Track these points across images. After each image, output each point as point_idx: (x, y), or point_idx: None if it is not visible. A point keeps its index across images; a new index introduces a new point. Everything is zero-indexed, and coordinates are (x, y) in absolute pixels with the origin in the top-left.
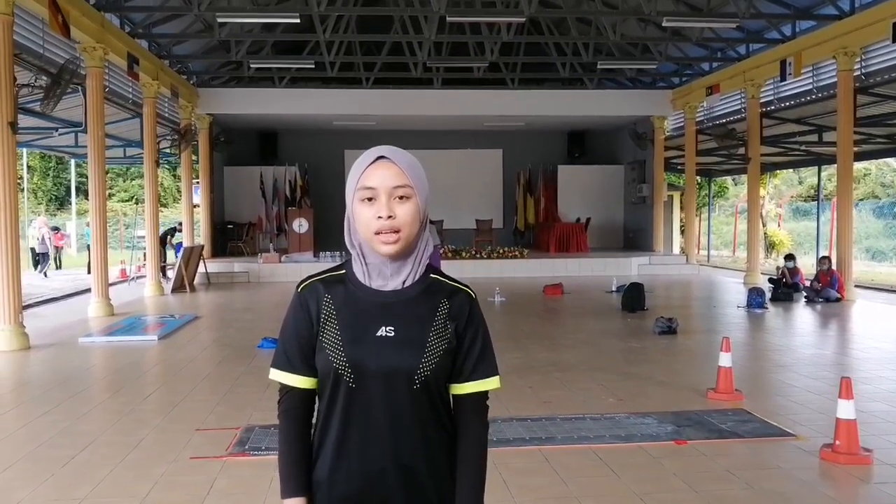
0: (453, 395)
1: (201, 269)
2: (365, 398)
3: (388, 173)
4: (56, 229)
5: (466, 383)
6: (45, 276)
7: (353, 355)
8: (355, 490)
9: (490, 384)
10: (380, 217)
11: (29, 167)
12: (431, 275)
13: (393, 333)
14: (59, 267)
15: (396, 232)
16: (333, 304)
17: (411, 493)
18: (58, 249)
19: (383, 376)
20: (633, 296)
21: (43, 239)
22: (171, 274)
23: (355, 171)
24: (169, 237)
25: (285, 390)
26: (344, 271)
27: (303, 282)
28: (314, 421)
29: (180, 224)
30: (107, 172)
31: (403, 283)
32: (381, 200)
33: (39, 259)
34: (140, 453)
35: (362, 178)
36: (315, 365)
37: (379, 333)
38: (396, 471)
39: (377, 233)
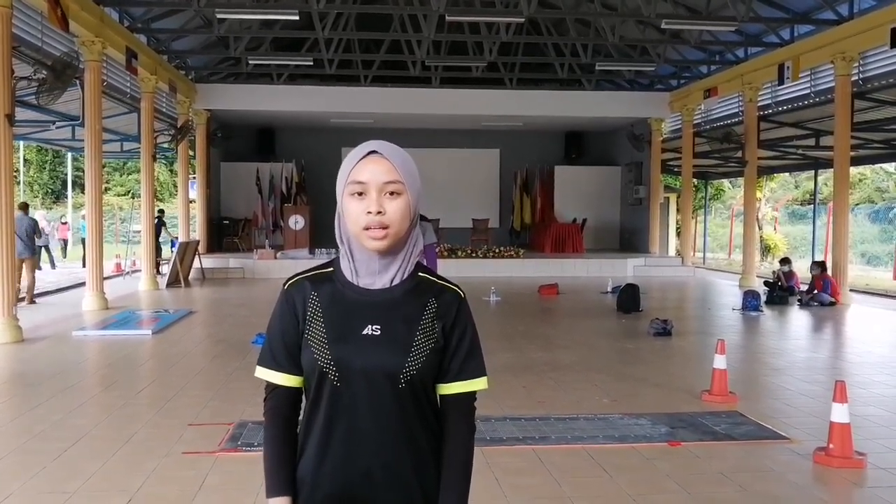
0: (440, 395)
1: (196, 264)
2: (350, 397)
3: (380, 168)
4: (64, 222)
5: (453, 383)
6: (53, 266)
7: (338, 354)
8: (339, 488)
9: (477, 385)
10: (369, 212)
11: (25, 160)
12: (420, 273)
13: (379, 332)
14: (63, 257)
15: (385, 228)
16: (320, 301)
17: (396, 492)
18: (63, 241)
19: (368, 375)
20: (629, 297)
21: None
22: (164, 269)
23: (346, 165)
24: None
25: (271, 388)
26: (332, 269)
27: (290, 279)
28: (300, 419)
29: (161, 211)
30: (103, 166)
31: (392, 281)
32: (371, 195)
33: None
34: (132, 447)
35: (353, 172)
36: (301, 363)
37: (365, 332)
38: (381, 470)
39: (366, 228)
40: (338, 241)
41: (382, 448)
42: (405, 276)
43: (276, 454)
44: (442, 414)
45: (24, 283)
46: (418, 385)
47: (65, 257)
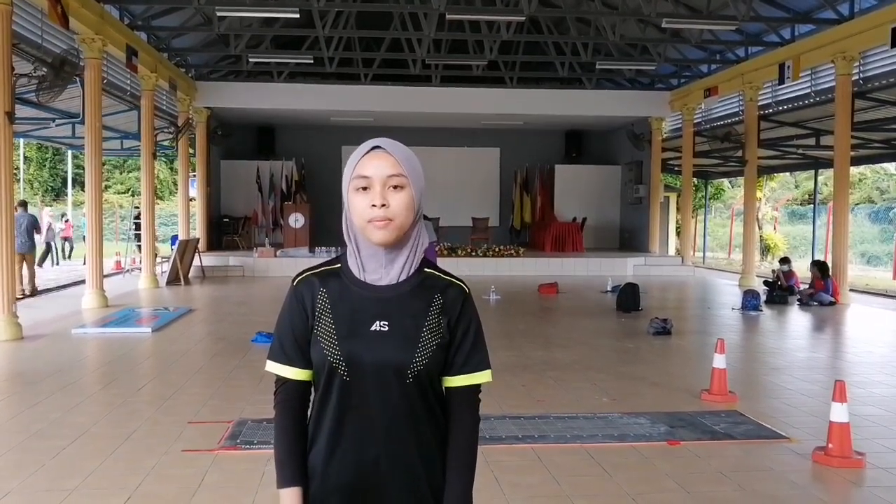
0: (445, 388)
1: (196, 262)
2: (359, 391)
3: (383, 163)
4: (66, 220)
5: (458, 376)
6: (55, 264)
7: (348, 349)
8: (349, 480)
9: (481, 378)
10: (373, 205)
11: (25, 158)
12: (426, 269)
13: (387, 328)
14: (66, 257)
15: (389, 220)
16: (328, 297)
17: (404, 484)
18: (66, 240)
19: (377, 370)
20: (628, 296)
21: (50, 226)
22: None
23: (351, 162)
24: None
25: (281, 382)
26: (339, 265)
27: (298, 275)
28: (309, 412)
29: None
30: (103, 164)
31: (398, 276)
32: (375, 189)
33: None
34: (131, 445)
35: (357, 167)
36: (310, 357)
37: (373, 328)
38: (389, 462)
39: (370, 221)
40: (345, 237)
41: (390, 440)
42: (411, 271)
43: (287, 446)
44: (448, 406)
45: (25, 278)
46: (425, 379)
47: (66, 258)
